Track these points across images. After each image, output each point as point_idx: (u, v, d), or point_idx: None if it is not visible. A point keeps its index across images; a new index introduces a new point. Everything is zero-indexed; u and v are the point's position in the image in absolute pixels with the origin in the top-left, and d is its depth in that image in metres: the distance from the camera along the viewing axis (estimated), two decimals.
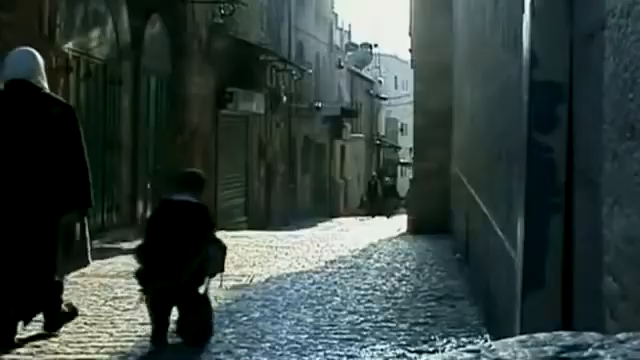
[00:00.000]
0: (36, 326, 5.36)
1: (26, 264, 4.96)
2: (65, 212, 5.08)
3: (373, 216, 31.54)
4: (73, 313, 5.54)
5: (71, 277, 8.07)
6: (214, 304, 6.77)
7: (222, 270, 5.42)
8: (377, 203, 34.69)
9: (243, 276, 8.42)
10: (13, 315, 4.99)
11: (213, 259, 5.29)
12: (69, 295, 6.95)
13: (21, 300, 5.01)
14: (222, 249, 5.42)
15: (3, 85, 5.18)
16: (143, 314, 6.23)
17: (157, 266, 5.14)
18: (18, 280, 4.95)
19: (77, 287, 7.47)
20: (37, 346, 5.11)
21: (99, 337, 5.38)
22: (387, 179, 41.12)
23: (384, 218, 29.92)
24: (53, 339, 5.30)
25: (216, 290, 7.50)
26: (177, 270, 5.08)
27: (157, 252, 5.16)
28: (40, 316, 5.32)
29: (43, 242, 5.01)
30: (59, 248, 5.09)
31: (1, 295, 4.93)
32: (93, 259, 8.99)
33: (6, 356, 4.89)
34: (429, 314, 6.39)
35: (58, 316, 5.31)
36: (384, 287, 7.98)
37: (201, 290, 5.27)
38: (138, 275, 5.32)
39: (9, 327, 4.98)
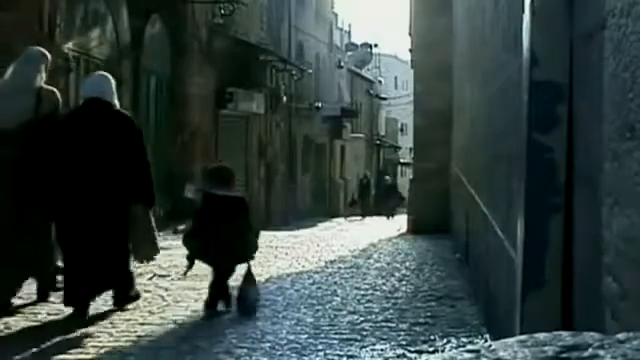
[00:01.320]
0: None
1: (102, 249, 5.89)
2: (131, 206, 6.01)
3: (364, 216, 30.79)
4: (137, 296, 6.42)
5: None
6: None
7: (256, 249, 6.44)
8: (378, 201, 34.26)
9: None
10: (90, 290, 5.95)
11: (251, 243, 6.32)
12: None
13: (97, 279, 5.94)
14: (256, 234, 6.47)
15: (82, 101, 6.28)
16: (143, 314, 6.23)
17: (207, 250, 6.10)
18: (94, 262, 5.86)
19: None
20: (37, 346, 5.11)
21: (99, 337, 5.38)
22: (387, 178, 40.20)
23: (378, 218, 29.33)
24: (53, 339, 5.31)
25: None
26: (225, 253, 6.10)
27: (206, 238, 6.11)
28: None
29: (116, 231, 5.95)
30: (132, 240, 6.07)
31: (81, 274, 5.87)
32: None
33: (6, 354, 4.89)
34: (429, 314, 6.39)
35: (127, 295, 6.23)
36: (384, 287, 7.98)
37: (243, 270, 6.24)
38: (189, 257, 6.28)
39: (86, 300, 5.93)
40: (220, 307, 6.25)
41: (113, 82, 6.32)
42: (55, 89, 6.48)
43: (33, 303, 6.32)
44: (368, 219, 29.29)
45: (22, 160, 5.95)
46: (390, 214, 30.93)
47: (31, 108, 6.11)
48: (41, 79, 6.33)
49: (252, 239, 6.36)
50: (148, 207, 6.19)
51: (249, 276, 6.26)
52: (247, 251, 6.28)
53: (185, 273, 6.59)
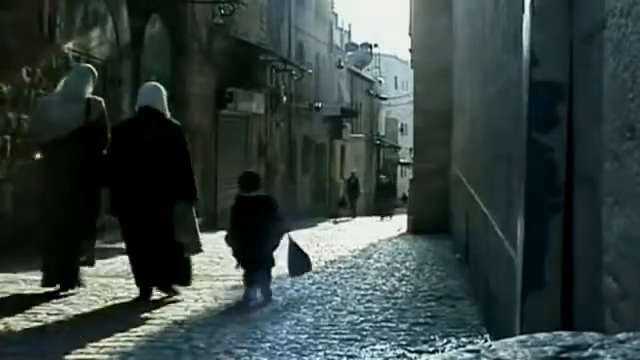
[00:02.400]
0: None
1: (154, 240, 6.72)
2: (177, 202, 6.80)
3: (353, 217, 29.89)
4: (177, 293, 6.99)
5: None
6: (214, 304, 6.80)
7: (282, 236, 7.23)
8: (376, 201, 33.71)
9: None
10: (150, 278, 6.79)
11: (278, 236, 7.13)
12: (70, 295, 6.96)
13: (155, 266, 6.76)
14: (284, 228, 7.26)
15: (137, 109, 7.06)
16: (143, 314, 6.23)
17: (245, 244, 6.96)
18: (149, 251, 6.72)
19: (77, 287, 7.47)
20: (37, 346, 5.11)
21: (99, 337, 5.38)
22: (382, 177, 38.65)
23: (372, 219, 28.68)
24: (53, 339, 5.31)
25: (216, 290, 7.53)
26: (259, 246, 6.94)
27: (243, 234, 6.97)
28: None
29: (165, 224, 6.70)
30: (177, 231, 6.80)
31: (143, 263, 6.77)
32: None
33: (6, 354, 4.89)
34: (429, 314, 6.39)
35: (172, 284, 6.93)
36: (384, 287, 7.98)
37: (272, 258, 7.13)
38: (235, 254, 7.11)
39: (148, 286, 6.76)
40: (258, 294, 6.97)
41: (164, 92, 7.08)
42: (101, 99, 7.18)
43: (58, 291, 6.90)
44: (358, 220, 28.34)
45: (75, 162, 6.69)
46: (385, 214, 30.25)
47: (81, 116, 6.83)
48: (89, 90, 7.03)
49: (280, 230, 7.19)
50: (191, 203, 6.99)
51: (294, 246, 7.35)
52: (276, 240, 7.12)
53: (237, 267, 7.20)
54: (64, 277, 6.90)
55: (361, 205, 34.60)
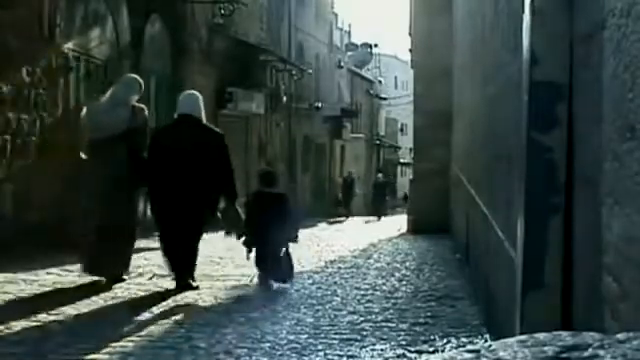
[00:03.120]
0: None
1: (191, 235, 7.34)
2: (218, 200, 7.45)
3: (347, 217, 29.37)
4: (197, 287, 7.44)
5: (71, 277, 8.10)
6: (214, 303, 6.80)
7: (297, 232, 7.98)
8: (377, 201, 32.80)
9: (243, 276, 8.42)
10: (181, 267, 7.37)
11: (292, 229, 7.86)
12: (69, 295, 6.96)
13: (184, 258, 7.35)
14: (297, 221, 8.30)
15: (176, 116, 7.63)
16: (143, 314, 6.23)
17: (259, 235, 7.57)
18: (185, 247, 7.30)
19: (77, 287, 7.47)
20: (37, 346, 5.11)
21: (99, 337, 5.38)
22: (379, 176, 36.79)
23: (366, 219, 28.12)
24: (53, 339, 5.31)
25: (216, 290, 7.53)
26: (272, 237, 7.53)
27: (258, 227, 7.57)
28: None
29: (198, 223, 7.34)
30: (226, 223, 7.61)
31: (174, 255, 7.33)
32: None
33: (6, 354, 4.90)
34: (429, 314, 6.39)
35: (188, 278, 7.41)
36: (384, 287, 7.98)
37: (284, 248, 7.73)
38: (246, 243, 7.72)
39: (181, 271, 7.33)
40: (274, 283, 7.66)
41: (201, 100, 7.72)
42: (144, 106, 7.75)
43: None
44: (353, 220, 27.91)
45: (116, 163, 7.25)
46: (380, 214, 29.71)
47: (125, 121, 7.38)
48: (135, 98, 7.63)
49: (292, 225, 7.91)
50: (232, 201, 7.56)
51: (287, 255, 7.77)
52: (289, 234, 7.79)
53: (248, 257, 7.82)
54: (106, 267, 7.42)
55: (359, 205, 34.33)
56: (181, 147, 7.26)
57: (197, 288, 7.36)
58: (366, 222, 26.26)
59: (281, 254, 7.67)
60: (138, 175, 7.37)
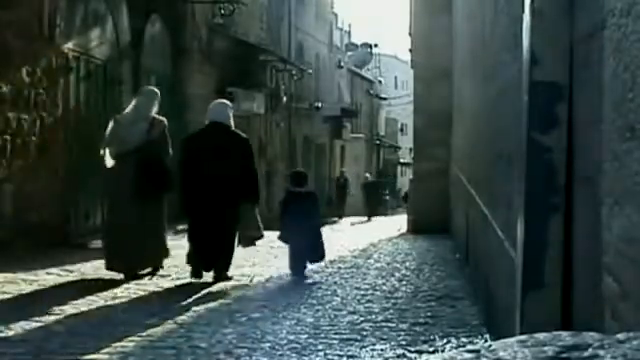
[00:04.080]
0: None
1: (220, 233, 7.90)
2: (241, 202, 7.99)
3: (340, 217, 28.62)
4: (231, 278, 8.10)
5: (71, 277, 8.11)
6: (215, 303, 6.81)
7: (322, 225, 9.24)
8: (369, 201, 31.50)
9: (243, 276, 8.42)
10: (207, 265, 7.96)
11: (319, 222, 9.05)
12: (69, 295, 6.96)
13: (213, 256, 7.94)
14: (322, 216, 9.18)
15: (207, 122, 8.20)
16: (143, 314, 6.23)
17: (293, 230, 8.48)
18: (214, 242, 7.87)
19: (77, 287, 7.47)
20: (37, 346, 5.11)
21: (99, 337, 5.38)
22: (367, 175, 35.42)
23: (359, 219, 27.48)
24: (53, 339, 5.31)
25: (216, 290, 7.53)
26: (304, 230, 8.46)
27: (291, 222, 8.52)
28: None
29: (229, 221, 7.92)
30: (242, 226, 8.08)
31: (204, 252, 7.89)
32: (93, 259, 9.08)
33: (6, 354, 4.89)
34: (429, 314, 6.39)
35: (225, 272, 8.03)
36: (384, 287, 7.98)
37: (316, 234, 8.72)
38: (282, 238, 8.65)
39: (203, 269, 7.93)
40: (306, 273, 8.52)
41: (230, 108, 8.40)
42: (163, 118, 8.27)
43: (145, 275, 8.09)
44: (345, 221, 27.28)
45: (139, 172, 7.82)
46: (369, 215, 29.11)
47: (144, 134, 7.97)
48: (155, 110, 8.19)
49: (319, 220, 9.14)
50: (254, 203, 8.22)
51: (320, 239, 8.74)
52: (318, 223, 8.91)
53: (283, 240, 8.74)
54: (129, 267, 7.97)
55: (356, 205, 33.83)
56: (211, 151, 7.87)
57: (231, 278, 8.04)
58: (352, 224, 25.22)
59: (313, 240, 8.57)
60: (159, 182, 7.96)
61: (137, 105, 8.28)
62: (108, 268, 7.97)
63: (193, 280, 7.88)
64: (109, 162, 8.04)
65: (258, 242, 8.49)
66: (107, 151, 8.04)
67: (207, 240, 7.86)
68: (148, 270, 8.18)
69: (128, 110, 8.35)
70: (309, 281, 8.28)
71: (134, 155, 7.86)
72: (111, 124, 8.20)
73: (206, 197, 7.81)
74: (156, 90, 8.63)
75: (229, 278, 8.03)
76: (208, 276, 8.01)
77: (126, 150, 7.91)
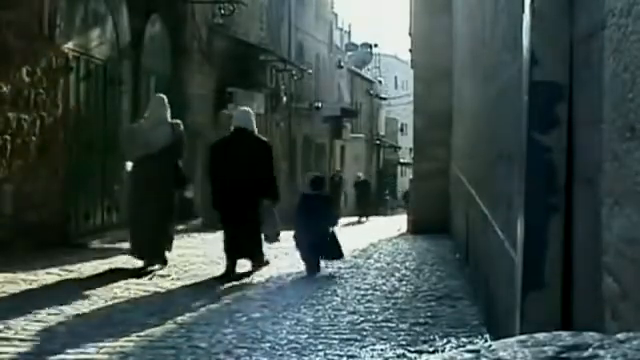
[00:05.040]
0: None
1: (245, 228, 8.67)
2: (263, 200, 8.83)
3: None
4: (267, 262, 9.09)
5: (71, 277, 8.10)
6: (215, 303, 6.81)
7: (336, 224, 10.00)
8: (360, 201, 30.69)
9: (243, 276, 8.42)
10: (240, 254, 8.73)
11: (334, 222, 9.70)
12: (69, 294, 6.96)
13: (240, 248, 8.69)
14: (337, 216, 10.25)
15: (233, 129, 8.98)
16: (143, 314, 6.23)
17: (306, 229, 9.01)
18: (240, 237, 8.66)
19: (77, 287, 7.47)
20: (37, 346, 5.12)
21: (99, 337, 5.38)
22: (359, 175, 34.05)
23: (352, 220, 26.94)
24: (53, 339, 5.31)
25: (216, 290, 7.53)
26: (318, 230, 9.06)
27: (305, 222, 9.08)
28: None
29: (254, 216, 8.73)
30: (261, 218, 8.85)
31: (232, 245, 8.66)
32: (93, 259, 9.08)
33: (6, 354, 4.90)
34: (429, 314, 6.39)
35: (260, 261, 8.88)
36: (384, 287, 7.98)
37: (329, 238, 9.23)
38: (295, 237, 9.11)
39: (234, 265, 8.62)
40: (323, 266, 9.11)
41: (253, 115, 9.18)
42: (180, 122, 9.05)
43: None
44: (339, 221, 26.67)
45: (164, 171, 8.63)
46: (361, 215, 28.72)
47: (167, 137, 8.72)
48: (168, 114, 8.93)
49: (334, 220, 9.84)
50: (274, 201, 8.99)
51: (334, 238, 9.29)
52: (332, 225, 9.46)
53: (296, 247, 9.20)
54: (152, 255, 8.76)
55: (351, 205, 33.42)
56: (237, 154, 8.67)
57: (268, 263, 9.01)
58: (344, 225, 23.91)
59: (329, 238, 9.13)
60: (176, 180, 8.85)
61: (152, 112, 9.02)
62: (132, 254, 8.78)
63: (226, 276, 8.39)
64: (129, 164, 8.86)
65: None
66: (128, 154, 8.94)
67: (236, 231, 8.65)
68: (158, 266, 8.76)
69: (146, 117, 9.08)
70: (324, 274, 8.89)
71: (158, 156, 8.59)
72: (129, 130, 8.97)
73: (233, 194, 8.59)
74: (163, 96, 9.29)
75: (266, 263, 8.94)
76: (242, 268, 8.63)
77: (150, 152, 8.60)
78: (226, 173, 8.63)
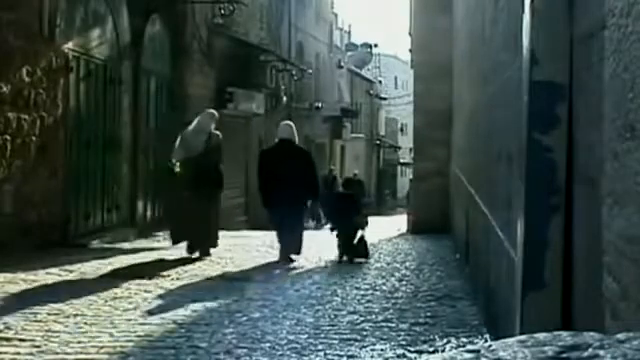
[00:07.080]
0: None
1: (294, 223, 10.21)
2: (307, 199, 10.51)
3: None
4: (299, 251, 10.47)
5: (71, 277, 8.10)
6: (215, 303, 6.81)
7: (366, 225, 10.72)
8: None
9: (243, 276, 8.42)
10: (291, 248, 10.25)
11: (362, 222, 10.60)
12: (69, 294, 6.96)
13: (291, 240, 10.25)
14: (365, 216, 10.84)
15: (278, 140, 10.59)
16: (143, 314, 6.24)
17: (340, 226, 10.38)
18: (292, 231, 10.15)
19: (77, 287, 7.47)
20: (37, 346, 5.12)
21: (99, 337, 5.38)
22: (355, 173, 32.15)
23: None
24: (53, 339, 5.31)
25: (216, 290, 7.53)
26: (350, 227, 10.33)
27: (339, 219, 10.49)
28: None
29: (300, 212, 10.54)
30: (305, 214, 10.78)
31: (284, 239, 10.22)
32: (93, 259, 9.08)
33: (6, 354, 4.90)
34: (429, 314, 6.39)
35: (297, 252, 10.37)
36: (384, 287, 7.98)
37: (359, 235, 10.43)
38: (332, 229, 10.58)
39: (289, 254, 10.33)
40: (345, 259, 10.20)
41: (294, 128, 10.76)
42: (219, 132, 10.40)
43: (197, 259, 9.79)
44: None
45: (201, 172, 9.90)
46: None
47: (204, 143, 10.14)
48: (213, 126, 10.36)
49: (362, 220, 10.65)
50: (315, 199, 10.78)
51: (362, 239, 10.46)
52: (360, 223, 10.50)
53: (334, 233, 10.68)
54: (197, 247, 10.05)
55: None
56: (283, 161, 10.12)
57: (299, 253, 10.27)
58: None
59: (357, 238, 10.35)
60: (216, 181, 10.22)
61: (199, 122, 10.46)
62: (174, 243, 10.21)
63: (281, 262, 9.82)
64: (177, 166, 10.16)
65: (258, 242, 8.62)
66: (176, 157, 10.18)
67: (283, 226, 10.08)
68: (197, 255, 9.98)
69: (192, 126, 10.43)
70: (358, 261, 10.08)
71: (195, 160, 9.94)
72: (180, 137, 10.31)
73: (280, 195, 9.91)
74: (214, 112, 11.01)
75: (299, 253, 10.19)
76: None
77: (191, 156, 9.99)
78: (273, 177, 10.05)
